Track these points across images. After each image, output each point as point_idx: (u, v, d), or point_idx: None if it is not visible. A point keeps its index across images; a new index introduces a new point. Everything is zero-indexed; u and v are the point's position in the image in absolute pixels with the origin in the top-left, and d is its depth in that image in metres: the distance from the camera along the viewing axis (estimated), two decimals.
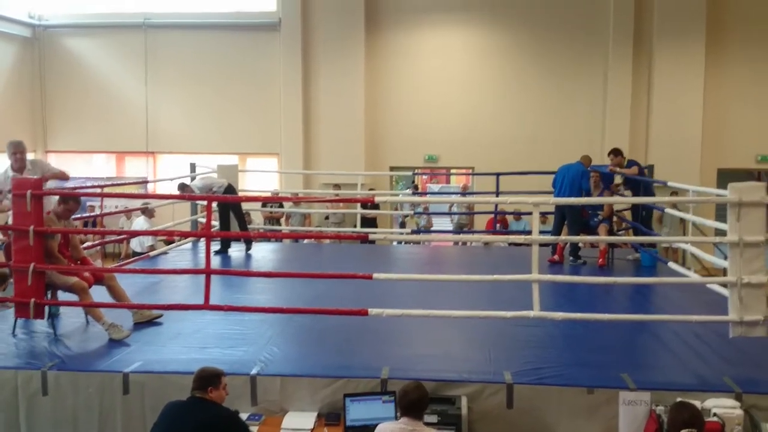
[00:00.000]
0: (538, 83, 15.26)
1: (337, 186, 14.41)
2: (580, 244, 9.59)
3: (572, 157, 9.70)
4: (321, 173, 14.92)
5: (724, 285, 5.29)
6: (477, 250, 11.28)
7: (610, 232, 9.43)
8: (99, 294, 6.05)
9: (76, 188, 7.01)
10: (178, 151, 15.92)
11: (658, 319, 5.97)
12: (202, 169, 10.67)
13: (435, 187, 22.78)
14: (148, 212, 11.57)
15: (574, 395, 4.70)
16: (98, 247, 9.83)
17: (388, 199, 12.61)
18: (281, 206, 14.02)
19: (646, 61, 14.91)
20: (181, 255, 9.89)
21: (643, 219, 9.47)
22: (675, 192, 10.76)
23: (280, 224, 14.54)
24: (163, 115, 16.06)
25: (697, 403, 4.12)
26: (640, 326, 6.05)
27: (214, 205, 9.17)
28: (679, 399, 4.29)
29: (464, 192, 15.27)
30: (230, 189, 9.79)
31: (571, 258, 9.31)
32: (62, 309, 6.26)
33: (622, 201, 9.50)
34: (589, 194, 9.01)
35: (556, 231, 9.28)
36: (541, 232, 7.46)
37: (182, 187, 9.56)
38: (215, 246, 9.75)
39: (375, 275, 5.49)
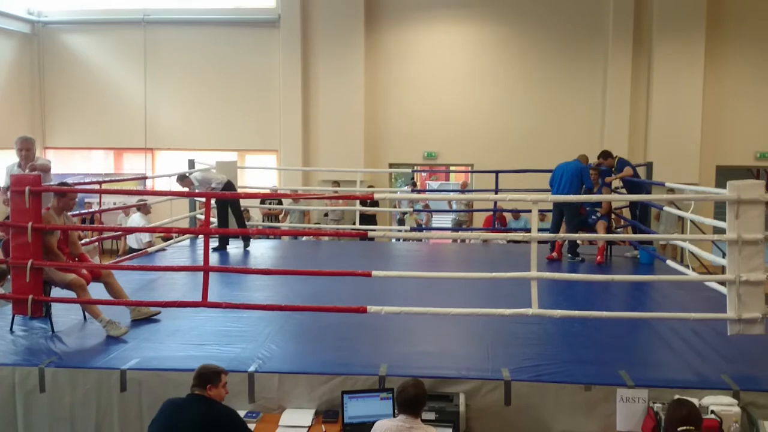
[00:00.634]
0: (538, 80, 15.24)
1: (336, 183, 14.41)
2: (579, 242, 9.59)
3: (571, 155, 9.69)
4: (320, 170, 14.90)
5: (723, 283, 5.28)
6: (475, 248, 11.29)
7: (609, 230, 9.43)
8: (97, 291, 6.05)
9: (74, 184, 6.96)
10: (176, 148, 15.90)
11: (656, 317, 5.97)
12: (200, 166, 10.65)
13: (434, 185, 22.76)
14: (143, 208, 11.53)
15: (571, 392, 4.70)
16: (96, 244, 9.79)
17: (388, 196, 12.63)
18: (280, 203, 14.02)
19: (645, 58, 14.89)
20: (179, 252, 9.89)
21: (640, 217, 9.47)
22: (672, 191, 10.76)
23: (278, 221, 14.54)
24: (162, 112, 16.04)
25: (695, 401, 4.12)
26: (638, 323, 6.06)
27: (213, 201, 9.16)
28: (676, 396, 4.30)
29: (463, 189, 15.23)
30: (229, 185, 9.78)
31: (569, 255, 9.31)
32: (60, 306, 6.25)
33: (621, 198, 9.50)
34: (591, 190, 9.02)
35: (555, 228, 9.28)
36: (540, 230, 7.47)
37: (182, 177, 9.57)
38: (213, 243, 9.74)
39: (374, 272, 5.49)
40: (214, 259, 9.13)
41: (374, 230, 12.01)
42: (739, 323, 5.00)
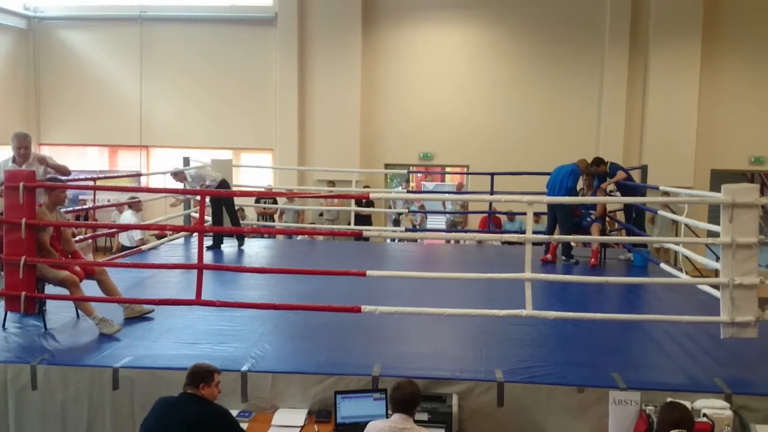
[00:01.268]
0: (534, 82, 15.25)
1: (331, 183, 14.39)
2: (573, 244, 9.60)
3: (567, 157, 9.72)
4: (315, 169, 14.88)
5: (716, 286, 5.30)
6: (470, 249, 11.29)
7: (603, 232, 9.45)
8: (90, 288, 6.03)
9: (67, 181, 6.94)
10: (171, 146, 15.84)
11: (649, 319, 5.98)
12: (196, 164, 10.62)
13: (430, 185, 22.78)
14: (135, 206, 11.49)
15: (564, 394, 4.71)
16: (89, 241, 9.75)
17: (383, 195, 12.61)
18: (275, 202, 14.01)
19: (641, 61, 14.92)
20: (173, 250, 9.87)
21: (634, 220, 9.49)
22: (667, 194, 10.78)
23: (273, 220, 14.52)
24: (158, 109, 15.99)
25: (687, 404, 4.13)
26: (632, 326, 6.06)
27: (207, 199, 9.14)
28: (669, 399, 4.30)
29: (459, 191, 15.24)
30: (223, 184, 9.76)
31: (563, 257, 9.33)
32: (53, 303, 6.23)
33: (615, 201, 9.52)
34: (570, 192, 9.02)
35: (549, 230, 9.29)
36: (535, 232, 7.47)
37: (176, 172, 9.58)
38: (208, 241, 9.72)
39: (368, 272, 5.48)
40: (208, 257, 9.12)
41: (369, 230, 12.00)
42: (733, 326, 5.01)
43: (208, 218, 9.77)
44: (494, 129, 15.27)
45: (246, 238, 10.46)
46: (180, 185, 9.60)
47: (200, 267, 5.64)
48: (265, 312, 6.10)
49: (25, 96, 16.22)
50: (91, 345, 5.44)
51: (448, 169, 17.89)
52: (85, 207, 9.83)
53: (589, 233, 9.17)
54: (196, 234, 8.47)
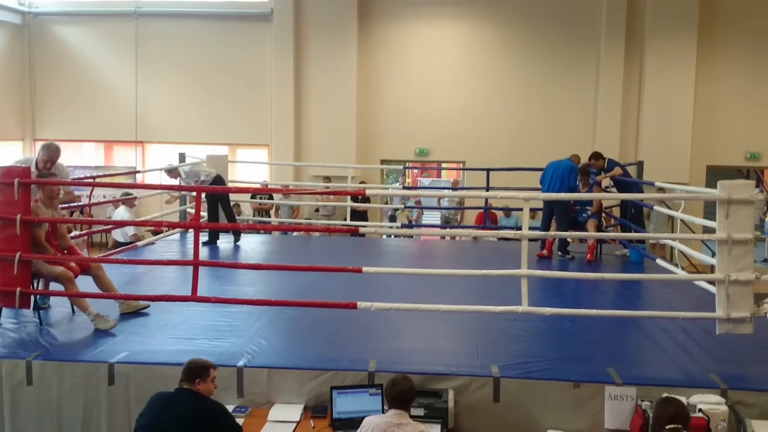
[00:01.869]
0: (530, 78, 15.25)
1: (327, 178, 14.38)
2: (569, 240, 9.61)
3: (563, 153, 9.70)
4: (311, 165, 14.86)
5: (712, 282, 5.31)
6: (466, 244, 11.30)
7: (599, 228, 9.45)
8: (85, 284, 6.01)
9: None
10: (167, 141, 15.82)
11: (645, 315, 5.99)
12: (191, 160, 10.61)
13: (425, 181, 22.76)
14: (128, 202, 11.46)
15: (560, 389, 4.71)
16: (85, 237, 9.74)
17: (379, 192, 12.59)
18: (271, 198, 13.99)
19: (637, 57, 14.92)
20: (168, 245, 9.85)
21: (633, 216, 9.51)
22: (662, 189, 10.80)
23: (269, 216, 14.51)
24: (153, 105, 15.96)
25: (683, 399, 4.14)
26: (628, 322, 6.07)
27: (203, 195, 9.12)
28: (665, 394, 4.32)
29: (455, 187, 15.23)
30: (218, 180, 9.74)
31: (559, 253, 9.33)
32: (49, 300, 6.24)
33: (612, 197, 9.53)
34: (574, 190, 9.03)
35: (545, 226, 9.30)
36: (531, 228, 7.46)
37: (170, 169, 9.56)
38: (203, 237, 9.71)
39: (365, 269, 5.48)
40: (204, 253, 9.09)
41: (365, 226, 11.99)
42: (728, 322, 5.02)
43: (204, 214, 9.74)
44: (490, 125, 15.26)
45: (242, 234, 10.44)
46: (174, 182, 9.58)
47: (196, 263, 5.63)
48: (260, 307, 6.09)
49: (20, 92, 16.17)
50: (87, 340, 5.43)
51: (444, 165, 17.89)
52: (80, 204, 9.77)
53: (585, 229, 9.18)
54: (191, 230, 8.45)
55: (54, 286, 5.99)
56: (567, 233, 8.69)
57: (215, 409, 4.08)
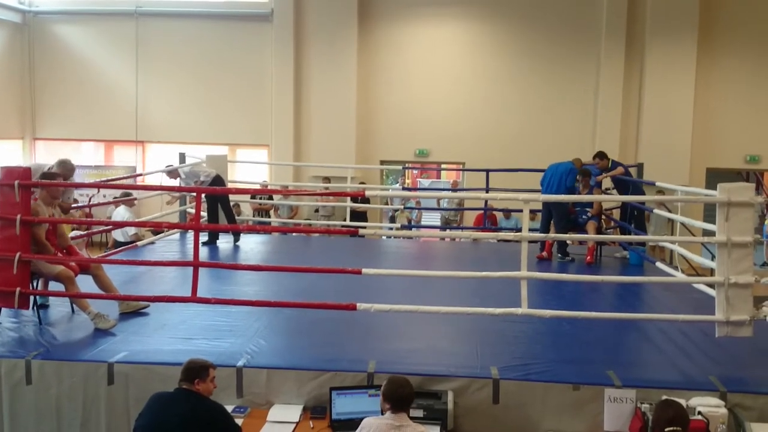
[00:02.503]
0: (531, 80, 15.25)
1: (327, 179, 14.38)
2: (568, 242, 9.61)
3: (563, 154, 9.72)
4: (311, 165, 14.87)
5: (712, 285, 5.31)
6: (465, 246, 11.29)
7: (599, 230, 9.45)
8: (85, 283, 6.01)
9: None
10: (167, 141, 15.81)
11: (644, 318, 5.99)
12: (191, 160, 10.61)
13: (425, 182, 22.77)
14: (128, 201, 11.46)
15: (559, 391, 4.71)
16: (85, 237, 9.74)
17: (379, 193, 12.61)
18: (271, 198, 13.99)
19: (637, 59, 14.93)
20: (168, 245, 9.84)
21: (634, 218, 9.51)
22: (662, 191, 10.80)
23: (269, 216, 14.50)
24: (153, 105, 15.96)
25: (682, 402, 4.14)
26: (627, 324, 6.07)
27: (202, 195, 9.12)
28: (664, 397, 4.31)
29: (454, 189, 15.23)
30: (218, 180, 9.74)
31: (559, 255, 9.33)
32: (48, 298, 6.24)
33: (611, 199, 9.53)
34: (571, 191, 9.04)
35: (544, 228, 9.30)
36: (531, 230, 7.46)
37: (170, 170, 9.57)
38: (203, 237, 9.70)
39: (364, 270, 5.48)
40: (203, 253, 9.08)
41: (365, 227, 11.99)
42: (727, 325, 5.02)
43: (204, 214, 9.74)
44: (490, 126, 15.26)
45: (241, 234, 10.43)
46: (174, 182, 9.58)
47: (196, 264, 5.63)
48: (260, 308, 6.09)
49: (20, 91, 16.16)
50: (86, 340, 5.43)
51: (443, 166, 17.89)
52: (80, 205, 9.77)
53: (584, 231, 9.18)
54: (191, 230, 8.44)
55: (54, 285, 5.99)
56: (566, 235, 8.69)
57: (214, 409, 4.08)
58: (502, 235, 7.04)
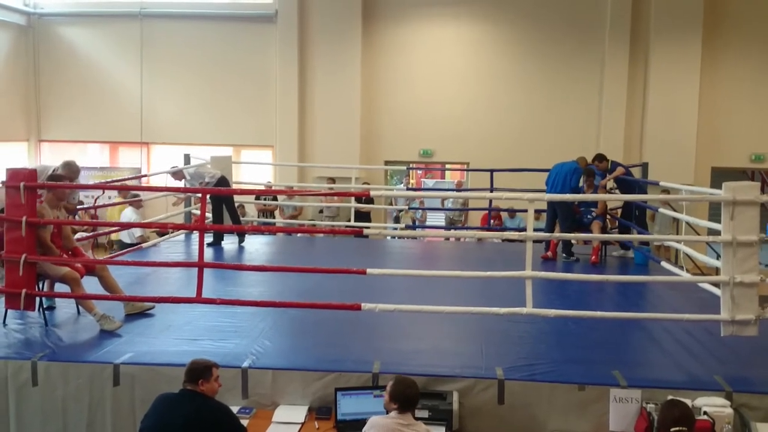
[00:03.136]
0: (535, 79, 15.23)
1: (331, 180, 14.38)
2: (573, 241, 9.59)
3: (567, 154, 9.69)
4: (315, 166, 14.87)
5: (717, 284, 5.29)
6: (470, 246, 11.30)
7: (604, 230, 9.44)
8: (91, 285, 6.03)
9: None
10: (172, 142, 15.81)
11: (650, 317, 5.98)
12: (196, 161, 10.62)
13: (429, 182, 22.75)
14: (135, 203, 11.50)
15: (565, 392, 4.71)
16: (90, 239, 9.77)
17: (384, 193, 12.60)
18: (275, 198, 14.00)
19: (642, 58, 14.90)
20: (173, 246, 9.87)
21: (637, 218, 9.49)
22: (666, 191, 10.78)
23: (274, 217, 14.52)
24: (158, 106, 15.98)
25: (688, 402, 4.13)
26: (632, 324, 6.06)
27: (208, 196, 9.14)
28: (669, 397, 4.30)
29: (459, 189, 15.22)
30: (222, 181, 9.75)
31: (564, 255, 9.31)
32: (55, 300, 6.26)
33: (616, 198, 9.51)
34: (576, 191, 9.02)
35: (549, 228, 9.29)
36: (536, 229, 7.46)
37: (175, 171, 9.60)
38: (208, 238, 9.72)
39: (369, 271, 5.48)
40: (208, 254, 9.10)
41: (369, 227, 11.99)
42: (733, 325, 5.01)
43: (209, 215, 9.76)
44: (494, 126, 15.25)
45: (246, 235, 10.45)
46: (179, 183, 9.60)
47: (201, 265, 5.64)
48: (265, 309, 6.10)
49: (25, 93, 16.21)
50: (92, 341, 5.45)
51: (448, 166, 17.88)
52: (85, 206, 9.79)
53: (589, 231, 9.17)
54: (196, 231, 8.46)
55: (59, 287, 6.01)
56: (571, 235, 8.68)
57: (219, 410, 4.09)
58: (507, 234, 7.04)
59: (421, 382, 4.41)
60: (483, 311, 5.49)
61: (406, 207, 13.55)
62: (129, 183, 11.70)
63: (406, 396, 3.99)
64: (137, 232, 11.45)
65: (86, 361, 4.97)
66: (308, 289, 6.93)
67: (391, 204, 14.81)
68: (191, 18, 15.93)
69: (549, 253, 9.29)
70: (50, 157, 15.94)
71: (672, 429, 3.76)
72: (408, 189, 16.33)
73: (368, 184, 14.48)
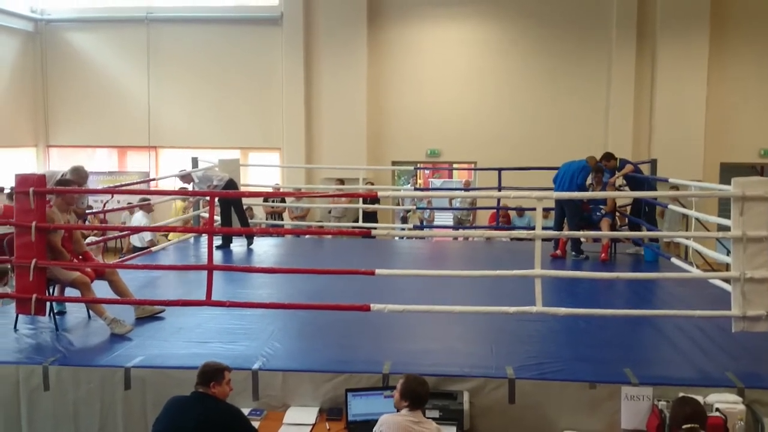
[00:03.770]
0: (542, 78, 15.20)
1: (340, 181, 14.38)
2: (582, 239, 9.56)
3: (575, 153, 9.66)
4: (323, 167, 14.89)
5: (727, 280, 5.27)
6: (479, 245, 11.28)
7: (613, 227, 9.40)
8: (101, 289, 6.05)
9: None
10: (180, 146, 15.85)
11: (660, 314, 5.95)
12: (204, 164, 10.65)
13: (437, 182, 22.73)
14: (145, 207, 11.56)
15: (576, 390, 4.69)
16: (100, 243, 9.81)
17: (391, 193, 12.60)
18: (283, 201, 14.02)
19: (649, 55, 14.85)
20: (183, 250, 9.90)
21: (646, 215, 9.46)
22: (676, 188, 10.74)
23: (282, 219, 14.53)
24: (165, 110, 16.03)
25: (700, 398, 4.12)
26: (643, 321, 6.04)
27: (216, 199, 9.16)
28: (681, 394, 4.29)
29: (467, 188, 15.19)
30: (231, 184, 9.76)
31: (573, 253, 9.29)
32: (66, 305, 6.28)
33: (624, 195, 9.48)
34: (582, 189, 8.99)
35: (557, 226, 9.26)
36: (544, 228, 7.43)
37: (184, 175, 9.63)
38: (217, 241, 9.74)
39: (377, 271, 5.48)
40: (217, 257, 9.11)
41: (376, 228, 11.99)
42: (744, 320, 4.99)
43: (218, 218, 9.78)
44: (501, 125, 15.22)
45: (255, 237, 10.48)
46: (188, 187, 9.63)
47: (210, 268, 5.65)
48: (274, 310, 6.11)
49: (33, 98, 16.29)
50: (103, 345, 5.47)
51: (455, 166, 17.86)
52: (94, 211, 9.83)
53: (598, 228, 9.14)
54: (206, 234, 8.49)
55: (70, 291, 6.03)
56: (580, 233, 8.64)
57: (229, 412, 4.10)
58: (516, 233, 7.04)
59: (431, 382, 4.41)
60: (492, 310, 5.48)
61: (414, 207, 13.53)
62: (135, 187, 11.76)
63: (416, 393, 3.99)
64: (147, 236, 11.50)
65: (97, 365, 4.99)
66: (317, 290, 6.94)
67: (398, 204, 14.80)
68: (197, 22, 15.98)
69: (558, 252, 9.27)
70: (58, 163, 16.00)
71: (684, 426, 3.74)
72: (416, 189, 16.28)
73: (372, 184, 14.48)
